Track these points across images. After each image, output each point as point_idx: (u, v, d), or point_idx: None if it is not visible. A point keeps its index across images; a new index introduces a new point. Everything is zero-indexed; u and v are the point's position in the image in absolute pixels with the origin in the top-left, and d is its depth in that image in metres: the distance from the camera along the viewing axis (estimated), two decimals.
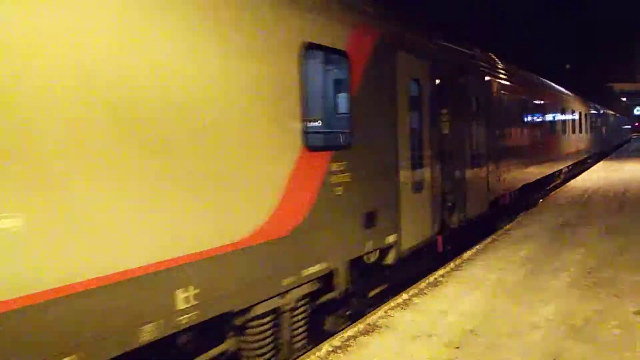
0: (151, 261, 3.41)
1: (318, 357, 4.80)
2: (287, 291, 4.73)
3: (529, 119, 14.29)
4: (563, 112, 19.05)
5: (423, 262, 7.80)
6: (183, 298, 3.64)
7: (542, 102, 15.92)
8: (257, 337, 4.59)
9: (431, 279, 7.20)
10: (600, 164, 28.01)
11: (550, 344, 4.90)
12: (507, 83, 12.01)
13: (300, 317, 5.10)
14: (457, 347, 4.89)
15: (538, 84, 16.63)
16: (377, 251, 6.29)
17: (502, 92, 11.62)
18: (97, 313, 3.10)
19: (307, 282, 4.98)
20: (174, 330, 3.60)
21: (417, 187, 7.17)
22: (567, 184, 19.07)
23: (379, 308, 6.07)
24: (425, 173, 7.44)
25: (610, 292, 6.30)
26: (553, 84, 19.09)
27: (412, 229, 6.95)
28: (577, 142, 22.53)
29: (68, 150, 2.99)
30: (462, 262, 8.09)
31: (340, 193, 5.33)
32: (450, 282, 7.05)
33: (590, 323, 5.37)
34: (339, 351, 4.90)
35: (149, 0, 3.45)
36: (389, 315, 5.78)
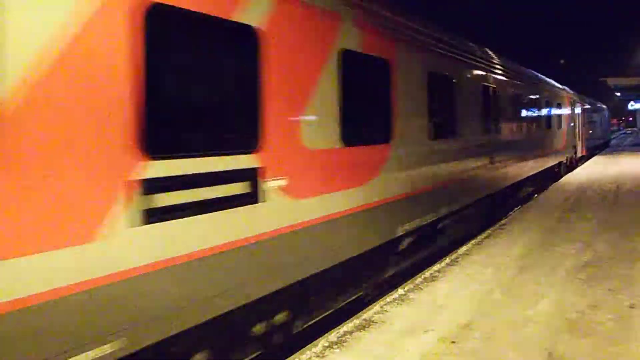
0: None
1: (314, 352, 4.79)
2: None
3: None
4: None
5: None
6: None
7: None
8: None
9: (427, 273, 7.21)
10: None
11: (546, 337, 4.92)
12: None
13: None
14: (453, 342, 4.90)
15: None
16: None
17: None
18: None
19: None
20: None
21: None
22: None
23: (374, 303, 6.08)
24: None
25: (605, 286, 6.33)
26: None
27: None
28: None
29: None
30: (458, 257, 8.10)
31: None
32: (446, 277, 7.06)
33: (585, 317, 5.40)
34: (335, 347, 4.89)
35: None
36: (385, 311, 5.79)
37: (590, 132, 31.63)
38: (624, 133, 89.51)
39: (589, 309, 5.62)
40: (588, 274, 6.86)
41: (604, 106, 44.23)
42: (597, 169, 22.00)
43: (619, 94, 43.86)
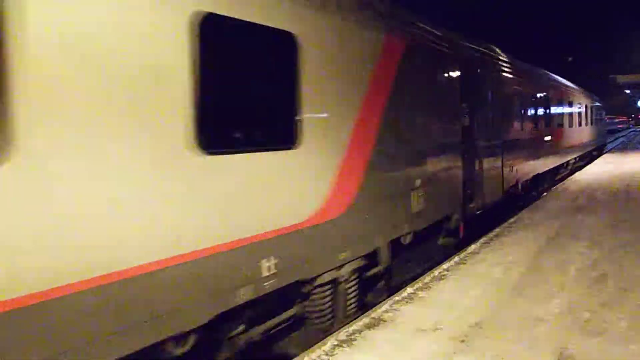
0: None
1: (324, 351, 4.79)
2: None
3: None
4: None
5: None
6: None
7: None
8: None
9: (436, 272, 7.18)
10: None
11: (557, 337, 4.89)
12: None
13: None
14: (463, 341, 4.88)
15: None
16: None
17: None
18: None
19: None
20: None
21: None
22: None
23: (384, 302, 6.07)
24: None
25: (617, 285, 6.28)
26: None
27: None
28: None
29: None
30: (467, 256, 8.07)
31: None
32: (455, 275, 7.04)
33: (596, 316, 5.36)
34: (344, 345, 4.89)
35: None
36: (394, 309, 5.77)
37: (550, 141, 16.29)
38: (634, 131, 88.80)
39: (601, 308, 5.57)
40: (599, 273, 6.80)
41: (595, 99, 28.91)
42: (607, 168, 21.81)
43: (628, 91, 43.51)
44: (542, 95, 15.31)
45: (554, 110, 17.12)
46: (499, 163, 11.08)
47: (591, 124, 25.91)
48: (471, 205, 9.34)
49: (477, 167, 9.65)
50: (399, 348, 4.78)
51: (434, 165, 7.84)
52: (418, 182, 7.14)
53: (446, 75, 8.54)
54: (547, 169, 15.96)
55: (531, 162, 13.97)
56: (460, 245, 8.83)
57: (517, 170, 12.40)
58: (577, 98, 21.84)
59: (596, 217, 10.69)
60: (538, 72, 15.97)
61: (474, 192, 9.43)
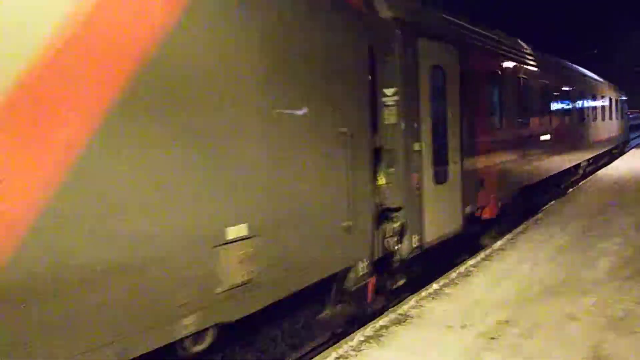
0: None
1: (350, 346, 4.75)
2: None
3: None
4: None
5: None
6: None
7: None
8: None
9: (462, 268, 7.08)
10: None
11: (590, 335, 4.75)
12: None
13: None
14: (492, 338, 4.78)
15: None
16: None
17: None
18: None
19: None
20: None
21: None
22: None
23: (409, 298, 6.00)
24: None
25: None
26: None
27: None
28: None
29: None
30: (493, 252, 7.93)
31: None
32: (482, 272, 6.92)
33: (631, 314, 5.20)
34: (371, 341, 4.84)
35: None
36: (420, 306, 5.70)
37: (550, 141, 12.61)
38: None
39: (635, 305, 5.41)
40: (632, 270, 6.61)
41: (614, 90, 23.62)
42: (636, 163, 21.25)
43: None
44: (536, 81, 11.64)
45: (556, 101, 13.41)
46: (456, 175, 7.41)
47: (608, 118, 21.39)
48: (399, 247, 6.10)
49: (410, 186, 6.26)
50: (427, 344, 4.71)
51: (296, 192, 4.38)
52: (240, 229, 3.73)
53: (337, 43, 4.99)
54: (543, 177, 12.20)
55: (517, 170, 10.25)
56: (365, 315, 5.64)
57: (489, 183, 8.70)
58: (588, 87, 17.84)
59: (626, 213, 10.40)
60: (529, 51, 11.96)
61: (405, 225, 6.12)
